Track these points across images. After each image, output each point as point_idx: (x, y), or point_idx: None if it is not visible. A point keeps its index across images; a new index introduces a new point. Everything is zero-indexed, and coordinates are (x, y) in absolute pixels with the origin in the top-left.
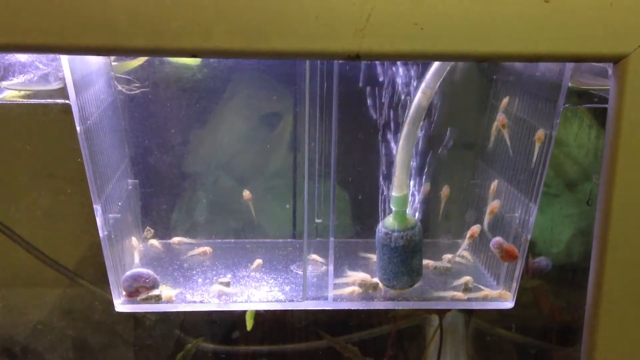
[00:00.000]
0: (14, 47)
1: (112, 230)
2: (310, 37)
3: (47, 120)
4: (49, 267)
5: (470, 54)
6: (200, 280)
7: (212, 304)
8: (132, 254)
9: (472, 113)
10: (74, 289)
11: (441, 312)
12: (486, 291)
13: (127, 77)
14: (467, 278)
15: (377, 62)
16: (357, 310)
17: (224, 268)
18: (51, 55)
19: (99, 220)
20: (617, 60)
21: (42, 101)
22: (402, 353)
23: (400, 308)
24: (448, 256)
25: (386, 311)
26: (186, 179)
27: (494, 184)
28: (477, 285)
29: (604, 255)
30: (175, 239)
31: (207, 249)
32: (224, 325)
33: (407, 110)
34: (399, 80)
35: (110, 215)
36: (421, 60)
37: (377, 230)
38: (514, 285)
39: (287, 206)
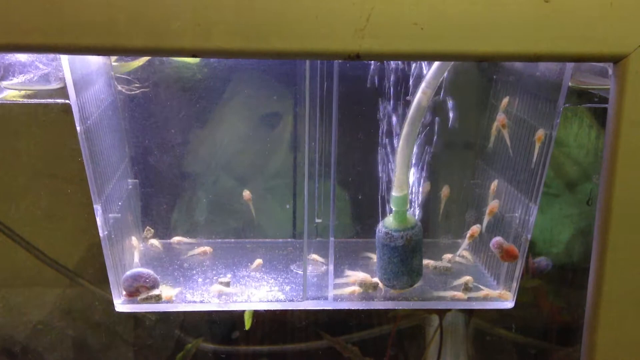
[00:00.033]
0: (14, 47)
1: (112, 230)
2: (310, 37)
3: (47, 120)
4: (49, 267)
5: (470, 54)
6: (200, 280)
7: (212, 304)
8: (132, 253)
9: (472, 113)
10: (74, 289)
11: (441, 312)
12: (486, 291)
13: (127, 77)
14: (467, 278)
15: (377, 62)
16: (357, 310)
17: (224, 268)
18: (51, 55)
19: (99, 220)
20: (617, 60)
21: (42, 101)
22: (402, 353)
23: (400, 308)
24: (448, 256)
25: (386, 311)
26: (186, 179)
27: (494, 184)
28: (477, 285)
29: (604, 255)
30: (175, 239)
31: (207, 248)
32: (224, 325)
33: (407, 110)
34: (400, 80)
35: (110, 215)
36: (421, 60)
37: (377, 230)
38: (514, 285)
39: (287, 206)
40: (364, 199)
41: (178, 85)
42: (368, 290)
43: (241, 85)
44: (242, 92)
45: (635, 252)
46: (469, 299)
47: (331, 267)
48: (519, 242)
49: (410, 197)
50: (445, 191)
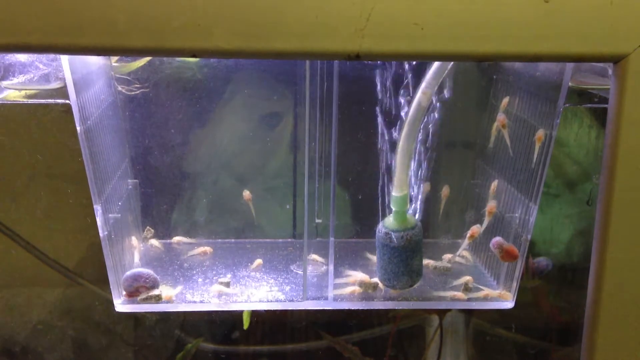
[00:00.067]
0: (14, 47)
1: (112, 230)
2: (310, 37)
3: (47, 120)
4: (49, 267)
5: (470, 54)
6: (200, 280)
7: (212, 304)
8: (132, 253)
9: (472, 113)
10: (74, 288)
11: (441, 312)
12: (486, 291)
13: (127, 77)
14: (467, 278)
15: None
16: (357, 310)
17: (224, 268)
18: (51, 55)
19: (99, 220)
20: (617, 60)
21: (43, 101)
22: (402, 353)
23: (400, 308)
24: (448, 256)
25: (386, 311)
26: (186, 179)
27: (494, 184)
28: (477, 285)
29: (604, 255)
30: (176, 239)
31: (207, 248)
32: (224, 325)
33: (407, 110)
34: (399, 80)
35: (110, 215)
36: (421, 60)
37: (377, 230)
38: (514, 285)
39: (287, 206)
40: (364, 199)
41: (178, 85)
42: (368, 290)
43: (241, 85)
44: (242, 92)
45: (635, 252)
46: (469, 299)
47: (331, 267)
48: (518, 242)
49: (411, 192)
50: (445, 191)
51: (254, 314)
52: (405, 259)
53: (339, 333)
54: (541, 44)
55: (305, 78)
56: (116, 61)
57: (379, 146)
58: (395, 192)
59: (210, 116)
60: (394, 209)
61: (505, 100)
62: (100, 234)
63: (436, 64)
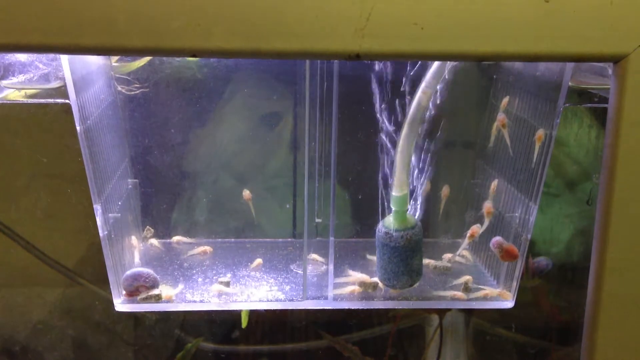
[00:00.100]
0: (14, 47)
1: (112, 229)
2: (310, 37)
3: (47, 119)
4: (49, 267)
5: (470, 53)
6: (200, 279)
7: (212, 304)
8: (132, 253)
9: (472, 113)
10: (74, 288)
11: (441, 312)
12: (486, 291)
13: (127, 77)
14: (467, 277)
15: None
16: (357, 309)
17: (224, 267)
18: (51, 55)
19: (99, 220)
20: (617, 60)
21: (43, 101)
22: (402, 353)
23: (400, 308)
24: (448, 256)
25: (386, 311)
26: (186, 179)
27: (494, 184)
28: (477, 284)
29: (604, 255)
30: (175, 239)
31: (207, 248)
32: (224, 324)
33: (407, 110)
34: (399, 80)
35: (110, 214)
36: (421, 60)
37: (377, 229)
38: (514, 284)
39: (287, 206)
40: (363, 199)
41: (178, 85)
42: (368, 289)
43: (241, 85)
44: (242, 91)
45: (635, 252)
46: (469, 299)
47: (331, 267)
48: (518, 241)
49: (412, 185)
50: (445, 191)
51: (254, 313)
52: (405, 259)
53: (339, 333)
54: (541, 44)
55: (305, 78)
56: (116, 61)
57: (379, 146)
58: (395, 192)
59: (210, 116)
60: (393, 208)
61: (505, 100)
62: (100, 234)
63: (436, 64)
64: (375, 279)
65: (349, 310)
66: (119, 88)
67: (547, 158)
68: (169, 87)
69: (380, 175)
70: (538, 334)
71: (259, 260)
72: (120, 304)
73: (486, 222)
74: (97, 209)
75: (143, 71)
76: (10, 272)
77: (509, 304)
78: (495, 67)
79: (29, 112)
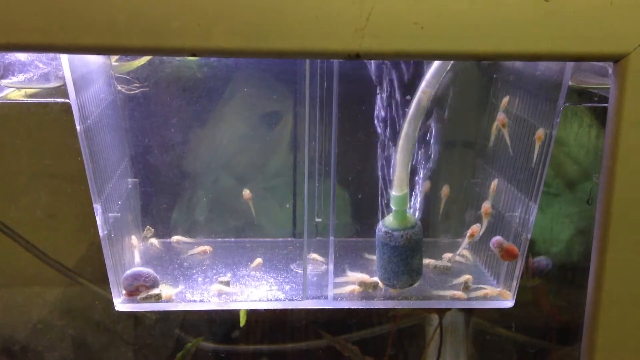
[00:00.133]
0: (14, 46)
1: (112, 229)
2: (310, 37)
3: (47, 119)
4: (49, 267)
5: (470, 53)
6: (200, 279)
7: (212, 303)
8: (132, 253)
9: (472, 112)
10: (74, 288)
11: (441, 311)
12: (486, 290)
13: (127, 76)
14: (467, 277)
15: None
16: (357, 309)
17: (224, 267)
18: (51, 55)
19: (99, 220)
20: (617, 59)
21: (43, 100)
22: (402, 352)
23: (400, 307)
24: (448, 255)
25: (386, 310)
26: (186, 178)
27: (494, 183)
28: (477, 284)
29: (604, 255)
30: (175, 238)
31: (207, 248)
32: (224, 324)
33: (407, 110)
34: (399, 79)
35: (110, 214)
36: (421, 60)
37: (377, 229)
38: (514, 284)
39: (287, 205)
40: (363, 198)
41: (178, 84)
42: (368, 289)
43: (241, 85)
44: (242, 91)
45: (635, 252)
46: (469, 298)
47: (331, 267)
48: (518, 241)
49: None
50: (445, 190)
51: (254, 313)
52: (405, 258)
53: (339, 332)
54: (541, 43)
55: (305, 77)
56: (116, 60)
57: (379, 145)
58: (395, 192)
59: (210, 115)
60: (393, 208)
61: (505, 99)
62: (100, 233)
63: (436, 64)
64: (375, 279)
65: (349, 310)
66: (119, 87)
67: (547, 158)
68: (168, 86)
69: (380, 175)
70: (538, 333)
71: (259, 260)
72: (120, 304)
73: (485, 223)
74: (97, 208)
75: (143, 70)
76: (10, 272)
77: (509, 303)
78: (495, 67)
79: (29, 112)
